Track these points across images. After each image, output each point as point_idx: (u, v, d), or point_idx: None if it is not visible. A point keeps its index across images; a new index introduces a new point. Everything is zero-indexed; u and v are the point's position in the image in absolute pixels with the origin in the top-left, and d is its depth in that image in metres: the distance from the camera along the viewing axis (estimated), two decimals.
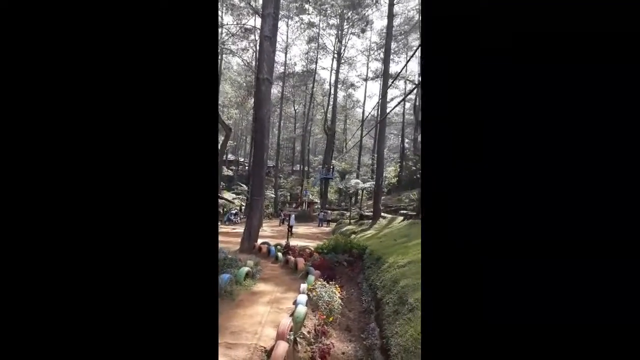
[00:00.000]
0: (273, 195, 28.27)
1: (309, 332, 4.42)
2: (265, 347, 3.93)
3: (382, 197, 20.29)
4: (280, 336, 3.74)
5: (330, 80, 33.53)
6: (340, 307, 5.14)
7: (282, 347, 3.48)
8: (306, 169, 34.25)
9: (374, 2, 26.09)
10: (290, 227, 14.64)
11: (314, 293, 5.26)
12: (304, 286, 5.59)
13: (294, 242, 11.33)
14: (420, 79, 21.88)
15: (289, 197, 31.44)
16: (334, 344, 4.26)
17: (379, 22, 32.49)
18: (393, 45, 26.84)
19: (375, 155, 22.15)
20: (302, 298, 5.01)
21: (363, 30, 28.74)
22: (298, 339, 4.16)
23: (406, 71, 34.90)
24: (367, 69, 35.23)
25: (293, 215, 15.66)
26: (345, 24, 30.01)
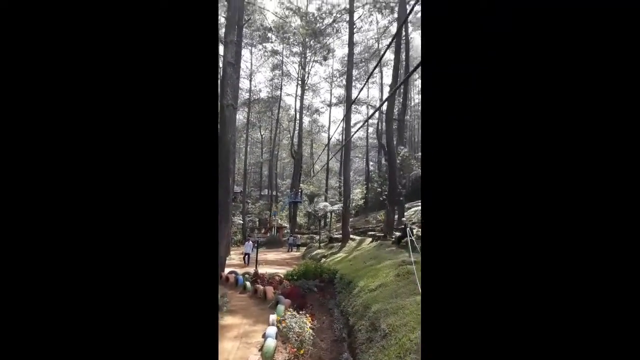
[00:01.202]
0: (241, 222, 27.53)
1: None
2: None
3: (350, 219, 20.39)
4: None
5: (295, 106, 34.10)
6: (311, 337, 4.93)
7: None
8: (274, 193, 33.90)
9: (335, 31, 27.24)
10: (247, 256, 13.85)
11: (283, 324, 5.03)
12: (273, 317, 5.33)
13: (263, 270, 10.95)
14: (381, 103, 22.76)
15: (257, 222, 30.74)
16: None
17: (340, 50, 33.81)
18: (354, 72, 27.95)
19: (342, 178, 22.42)
20: (272, 330, 4.77)
21: (325, 58, 29.67)
22: None
23: (368, 97, 36.36)
24: (331, 95, 36.26)
25: (250, 243, 14.80)
26: (308, 51, 30.95)
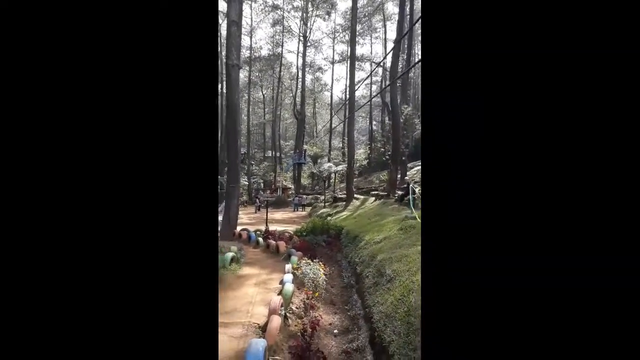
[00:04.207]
0: (246, 183, 28.10)
1: (297, 308, 4.75)
2: (258, 324, 4.21)
3: (354, 179, 20.85)
4: (272, 312, 4.04)
5: (297, 63, 33.32)
6: (325, 282, 5.51)
7: (276, 320, 3.78)
8: (278, 154, 34.15)
9: None
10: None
11: (299, 271, 5.58)
12: (288, 266, 5.90)
13: (272, 227, 11.57)
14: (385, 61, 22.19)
15: (262, 183, 31.37)
16: (322, 316, 4.61)
17: (342, 3, 32.42)
18: (357, 27, 26.95)
19: (346, 138, 22.56)
20: (288, 277, 5.32)
21: (329, 13, 28.56)
22: (288, 314, 4.48)
23: (371, 53, 35.28)
24: (333, 52, 35.26)
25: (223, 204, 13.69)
26: (309, 6, 29.65)
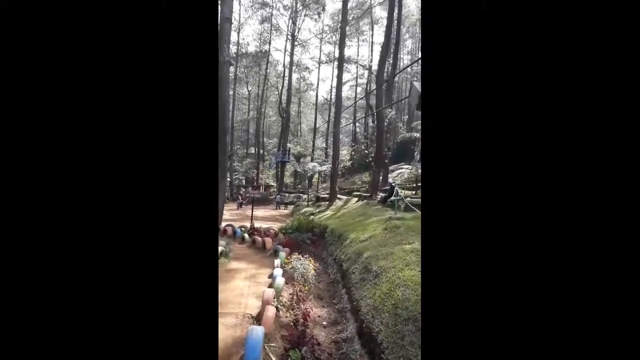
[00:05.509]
0: (228, 179, 27.90)
1: (288, 300, 4.94)
2: (251, 314, 4.37)
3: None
4: (266, 302, 4.21)
5: (284, 61, 33.34)
6: (314, 277, 5.71)
7: (271, 310, 3.96)
8: (261, 151, 34.03)
9: None
10: None
11: (289, 266, 5.76)
12: (278, 261, 6.07)
13: (256, 224, 11.66)
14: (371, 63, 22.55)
15: (244, 180, 31.20)
16: (312, 308, 4.82)
17: (331, 5, 32.70)
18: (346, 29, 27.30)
19: (330, 138, 22.82)
20: (278, 271, 5.50)
21: (319, 14, 28.79)
22: (279, 306, 4.65)
23: (357, 55, 35.76)
24: (320, 52, 35.47)
25: None
26: (299, 5, 29.78)
